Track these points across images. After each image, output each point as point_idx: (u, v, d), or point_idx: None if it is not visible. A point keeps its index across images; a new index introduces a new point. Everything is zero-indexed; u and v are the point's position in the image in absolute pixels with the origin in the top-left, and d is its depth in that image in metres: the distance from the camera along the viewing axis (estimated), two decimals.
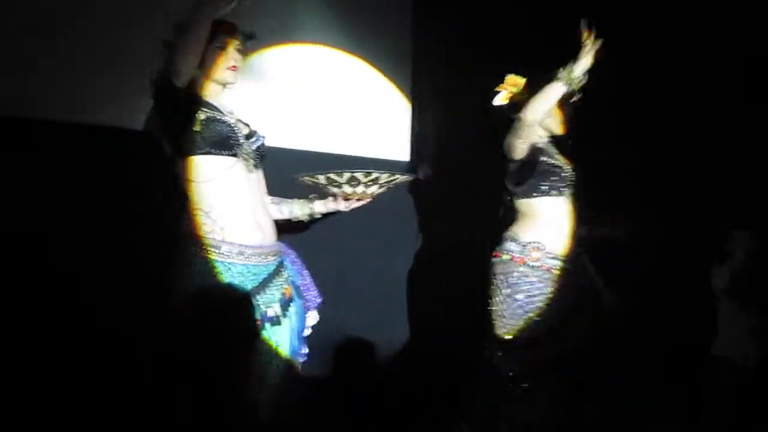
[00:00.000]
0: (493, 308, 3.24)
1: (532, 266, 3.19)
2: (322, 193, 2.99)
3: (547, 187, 3.27)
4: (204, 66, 2.72)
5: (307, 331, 2.94)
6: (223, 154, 2.68)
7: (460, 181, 4.55)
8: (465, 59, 4.61)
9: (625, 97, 4.20)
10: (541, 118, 3.15)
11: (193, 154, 2.66)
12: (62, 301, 3.09)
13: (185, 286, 2.62)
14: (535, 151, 3.28)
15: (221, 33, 2.73)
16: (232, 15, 2.65)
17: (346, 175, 2.80)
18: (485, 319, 3.28)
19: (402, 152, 4.69)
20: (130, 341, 3.00)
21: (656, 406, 4.02)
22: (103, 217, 3.17)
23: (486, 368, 3.27)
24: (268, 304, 2.70)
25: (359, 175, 2.81)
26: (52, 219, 3.10)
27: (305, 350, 2.91)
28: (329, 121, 4.28)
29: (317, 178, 2.81)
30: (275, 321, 2.71)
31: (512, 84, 3.37)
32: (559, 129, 3.37)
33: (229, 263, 2.64)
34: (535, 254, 3.19)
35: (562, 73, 3.01)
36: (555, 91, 3.03)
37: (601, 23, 3.00)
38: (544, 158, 3.28)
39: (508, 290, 3.19)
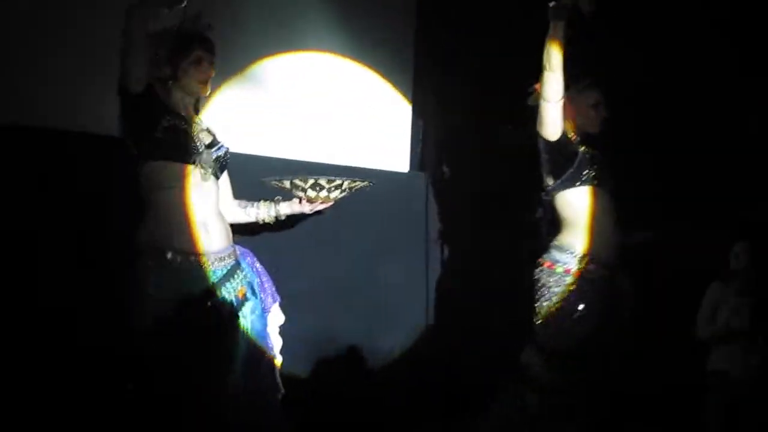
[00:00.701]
0: (540, 319, 3.19)
1: (588, 279, 3.14)
2: (288, 196, 3.19)
3: (588, 176, 3.20)
4: (177, 76, 2.84)
5: (275, 330, 3.06)
6: (180, 161, 2.77)
7: (471, 186, 4.59)
8: (469, 64, 4.63)
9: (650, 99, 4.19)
10: (557, 61, 3.05)
11: (153, 159, 2.75)
12: (24, 303, 3.08)
13: (141, 291, 2.70)
14: (571, 142, 3.25)
15: (196, 47, 2.85)
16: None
17: (310, 181, 3.07)
18: (523, 326, 3.27)
19: (402, 160, 4.70)
20: (86, 346, 3.03)
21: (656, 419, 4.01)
22: (68, 220, 3.17)
23: (519, 377, 3.24)
24: (220, 305, 2.79)
25: (322, 181, 3.08)
26: (14, 222, 3.08)
27: (273, 345, 3.01)
28: (329, 130, 4.29)
29: (283, 183, 3.09)
30: (229, 322, 2.80)
31: None
32: (592, 128, 3.33)
33: (178, 268, 2.72)
34: (591, 266, 3.14)
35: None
36: (552, 31, 3.01)
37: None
38: (584, 149, 3.25)
39: (561, 303, 3.13)
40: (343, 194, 3.19)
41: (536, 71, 3.31)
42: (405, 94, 4.65)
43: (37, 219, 3.11)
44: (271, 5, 4.10)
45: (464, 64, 4.66)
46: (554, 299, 3.16)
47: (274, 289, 3.07)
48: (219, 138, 3.01)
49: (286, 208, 3.22)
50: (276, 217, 3.22)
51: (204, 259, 2.78)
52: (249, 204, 3.19)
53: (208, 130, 2.98)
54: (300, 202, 3.18)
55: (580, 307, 3.11)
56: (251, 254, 3.07)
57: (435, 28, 4.68)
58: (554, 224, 3.32)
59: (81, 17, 3.34)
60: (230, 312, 2.81)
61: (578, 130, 3.33)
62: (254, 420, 2.83)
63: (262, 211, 3.20)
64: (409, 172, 4.69)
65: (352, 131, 4.39)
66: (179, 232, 2.75)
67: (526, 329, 3.27)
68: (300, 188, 3.10)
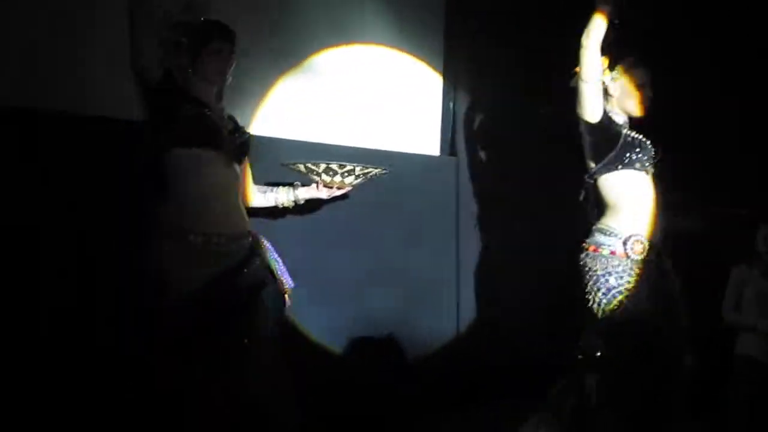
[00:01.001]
0: (594, 303, 3.11)
1: (636, 260, 3.08)
2: (306, 181, 3.26)
3: (630, 159, 3.14)
4: (196, 66, 2.86)
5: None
6: (205, 148, 2.80)
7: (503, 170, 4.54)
8: (502, 45, 4.58)
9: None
10: (595, 41, 3.01)
11: (177, 146, 2.77)
12: (50, 289, 3.08)
13: (163, 273, 2.72)
14: (614, 124, 3.18)
15: (216, 37, 2.87)
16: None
17: (322, 165, 3.16)
18: (578, 313, 3.19)
19: (433, 144, 4.64)
20: (113, 329, 3.03)
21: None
22: (90, 208, 3.15)
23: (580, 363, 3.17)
24: (241, 290, 2.82)
25: (334, 166, 3.17)
26: (36, 211, 3.06)
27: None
28: (361, 114, 4.25)
29: (297, 166, 3.18)
30: (246, 306, 2.83)
31: None
32: (637, 110, 3.24)
33: (202, 250, 2.76)
34: (638, 247, 3.08)
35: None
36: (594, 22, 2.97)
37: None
38: (627, 131, 3.18)
39: (612, 285, 3.07)
40: (358, 180, 3.26)
41: (574, 51, 3.25)
42: (437, 75, 4.61)
43: (60, 202, 3.10)
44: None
45: (497, 45, 4.60)
46: (602, 282, 3.10)
47: (288, 274, 3.05)
48: (240, 124, 3.07)
49: (304, 193, 3.28)
50: (294, 202, 3.28)
51: (225, 241, 2.82)
52: (268, 189, 3.25)
53: (230, 117, 3.03)
54: (317, 186, 3.25)
55: (630, 287, 3.06)
56: (266, 240, 3.06)
57: (466, 9, 4.61)
58: (598, 207, 3.25)
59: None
60: (251, 293, 2.85)
61: (623, 112, 3.25)
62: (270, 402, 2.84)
63: (281, 196, 3.26)
64: (440, 155, 4.64)
65: (383, 115, 4.33)
66: (203, 215, 2.79)
67: (574, 314, 3.21)
68: (314, 172, 3.19)
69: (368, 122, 4.26)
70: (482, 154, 4.64)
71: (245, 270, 2.85)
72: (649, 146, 3.22)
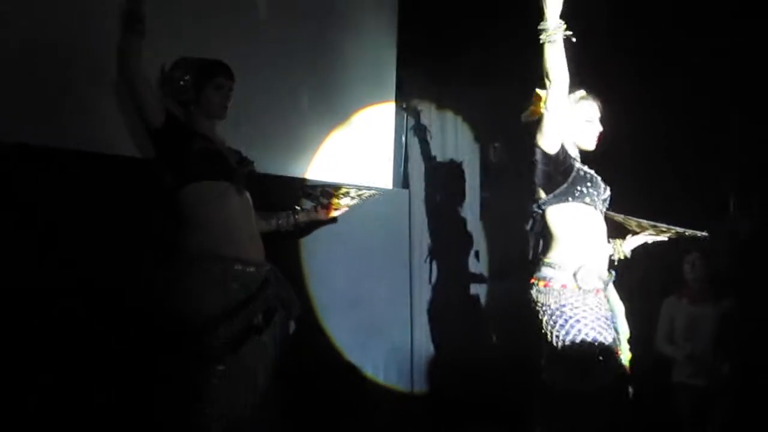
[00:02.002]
0: (553, 337, 3.10)
1: (587, 291, 3.09)
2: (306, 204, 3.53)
3: (582, 192, 3.16)
4: (200, 101, 3.03)
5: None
6: (217, 180, 2.96)
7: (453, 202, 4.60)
8: (454, 81, 4.65)
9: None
10: (558, 74, 3.00)
11: (191, 181, 2.93)
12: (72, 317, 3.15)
13: (188, 296, 2.87)
14: (568, 157, 3.19)
15: (218, 75, 3.04)
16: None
17: (319, 189, 3.47)
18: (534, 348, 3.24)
19: (386, 177, 4.69)
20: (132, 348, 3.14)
21: None
22: (112, 239, 3.26)
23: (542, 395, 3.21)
24: (255, 313, 2.94)
25: (330, 189, 3.44)
26: (59, 242, 3.17)
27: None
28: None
29: (306, 191, 3.52)
30: (259, 328, 2.94)
31: (537, 99, 3.22)
32: (585, 144, 3.29)
33: (224, 274, 2.89)
34: (588, 278, 3.10)
35: (541, 30, 2.95)
36: (547, 50, 2.97)
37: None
38: (579, 165, 3.21)
39: (565, 317, 3.07)
40: (353, 201, 3.54)
41: (523, 86, 3.33)
42: (389, 107, 4.67)
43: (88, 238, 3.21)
44: None
45: (450, 78, 4.68)
46: (556, 316, 3.11)
47: (297, 302, 3.20)
48: (244, 155, 3.21)
49: (304, 217, 3.48)
50: (295, 225, 3.46)
51: (244, 266, 2.95)
52: (270, 215, 3.37)
53: (233, 150, 3.17)
54: (316, 209, 3.48)
55: (586, 317, 3.07)
56: (274, 266, 3.17)
57: (419, 42, 4.69)
58: (545, 239, 3.28)
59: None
60: (267, 317, 2.99)
61: (575, 144, 3.29)
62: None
63: (283, 221, 3.41)
64: (393, 188, 4.68)
65: (336, 147, 4.35)
66: (224, 242, 2.93)
67: (529, 344, 3.26)
68: (314, 196, 3.47)
69: (321, 154, 4.28)
70: (434, 187, 4.70)
71: (263, 294, 2.97)
72: (601, 183, 3.24)
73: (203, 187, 2.94)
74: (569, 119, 3.21)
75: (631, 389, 3.21)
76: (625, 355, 3.18)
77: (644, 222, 3.43)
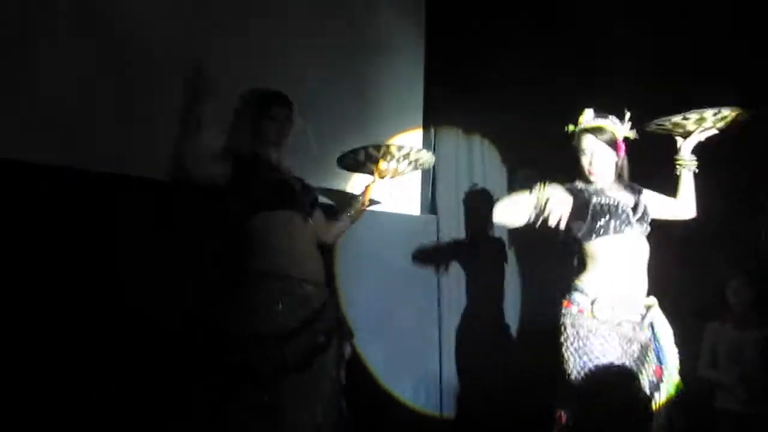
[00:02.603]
0: (562, 360, 3.14)
1: (602, 320, 3.10)
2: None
3: (602, 227, 3.16)
4: (260, 132, 3.17)
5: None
6: (282, 209, 3.10)
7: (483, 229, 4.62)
8: (482, 108, 4.69)
9: None
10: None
11: (258, 212, 3.07)
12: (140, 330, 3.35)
13: (253, 310, 3.00)
14: (584, 191, 3.22)
15: (273, 104, 3.18)
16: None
17: (383, 149, 3.39)
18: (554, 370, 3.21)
19: (414, 203, 4.74)
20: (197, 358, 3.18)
21: None
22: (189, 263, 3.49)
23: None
24: (320, 331, 3.05)
25: (393, 149, 3.40)
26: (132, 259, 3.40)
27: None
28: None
29: (358, 152, 3.41)
30: (324, 346, 3.05)
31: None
32: (586, 174, 3.29)
33: (291, 292, 3.02)
34: (605, 309, 3.10)
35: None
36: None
37: None
38: (596, 199, 3.20)
39: (578, 343, 3.10)
40: (410, 167, 3.52)
41: (552, 112, 3.37)
42: (417, 134, 4.72)
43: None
44: None
45: (478, 105, 4.71)
46: (571, 339, 3.13)
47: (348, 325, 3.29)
48: (307, 182, 3.31)
49: (365, 196, 3.47)
50: (362, 207, 3.47)
51: (306, 285, 3.08)
52: (339, 214, 3.47)
53: (296, 177, 3.27)
54: (374, 179, 3.46)
55: (588, 349, 3.08)
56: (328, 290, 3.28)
57: (446, 68, 4.74)
58: (578, 263, 3.28)
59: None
60: (327, 335, 3.08)
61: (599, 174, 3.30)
62: None
63: (352, 212, 3.46)
64: (420, 215, 4.72)
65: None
66: (287, 263, 3.06)
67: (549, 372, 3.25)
68: (373, 158, 3.41)
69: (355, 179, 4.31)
70: (463, 213, 4.74)
71: (322, 313, 3.08)
72: (621, 208, 3.21)
73: (268, 216, 3.08)
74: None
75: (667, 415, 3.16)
76: (671, 382, 3.14)
77: (686, 116, 3.31)
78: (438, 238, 4.65)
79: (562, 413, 3.17)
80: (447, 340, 4.55)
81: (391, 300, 4.29)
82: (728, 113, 3.28)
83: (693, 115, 3.29)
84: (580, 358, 3.10)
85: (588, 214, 3.18)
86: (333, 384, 3.07)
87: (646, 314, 3.17)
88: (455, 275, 4.63)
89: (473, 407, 4.47)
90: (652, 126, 3.41)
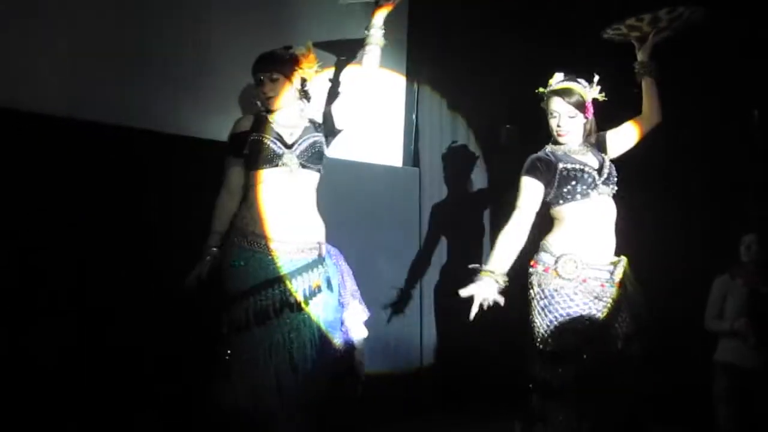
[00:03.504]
0: (531, 319, 3.19)
1: (567, 278, 3.14)
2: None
3: (569, 193, 3.20)
4: (259, 96, 3.27)
5: (357, 324, 3.24)
6: (267, 167, 3.14)
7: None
8: (465, 61, 4.68)
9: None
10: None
11: (249, 170, 3.18)
12: (128, 280, 3.37)
13: (226, 269, 3.09)
14: (552, 156, 3.24)
15: (256, 71, 3.24)
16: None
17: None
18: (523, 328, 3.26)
19: (396, 155, 4.75)
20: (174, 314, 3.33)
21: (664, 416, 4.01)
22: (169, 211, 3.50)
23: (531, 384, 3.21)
24: (291, 292, 3.07)
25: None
26: (133, 211, 3.43)
27: (350, 336, 3.20)
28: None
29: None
30: (296, 308, 3.07)
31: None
32: (555, 136, 3.31)
33: (258, 251, 3.08)
34: (569, 266, 3.14)
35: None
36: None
37: None
38: (562, 164, 3.22)
39: (544, 302, 3.15)
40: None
41: (535, 69, 3.37)
42: (400, 87, 4.71)
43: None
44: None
45: (460, 58, 4.71)
46: (538, 298, 3.18)
47: (355, 287, 3.29)
48: (308, 132, 3.28)
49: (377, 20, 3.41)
50: (381, 31, 3.41)
51: (281, 246, 3.10)
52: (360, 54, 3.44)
53: (296, 127, 3.27)
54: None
55: (555, 307, 3.12)
56: (339, 254, 3.30)
57: (430, 22, 4.71)
58: (548, 225, 3.31)
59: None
60: (296, 299, 3.07)
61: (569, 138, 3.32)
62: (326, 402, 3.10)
63: (371, 42, 3.39)
64: (402, 166, 4.74)
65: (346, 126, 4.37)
66: (261, 221, 3.10)
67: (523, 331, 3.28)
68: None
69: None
70: (445, 166, 4.75)
71: (306, 274, 3.10)
72: (587, 173, 3.22)
73: (251, 173, 3.16)
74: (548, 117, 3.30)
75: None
76: (639, 342, 3.17)
77: (639, 17, 3.36)
78: (420, 191, 4.68)
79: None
80: (427, 293, 4.61)
81: (371, 252, 4.31)
82: (682, 10, 3.32)
83: (647, 16, 3.34)
84: (546, 316, 3.14)
85: (555, 180, 3.21)
86: (311, 344, 3.07)
87: (614, 271, 3.20)
88: (436, 228, 4.65)
89: (452, 361, 4.55)
90: (609, 32, 3.47)
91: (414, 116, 4.76)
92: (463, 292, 3.11)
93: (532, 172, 3.22)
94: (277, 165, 3.15)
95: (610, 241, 3.25)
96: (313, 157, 3.22)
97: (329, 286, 3.17)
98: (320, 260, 3.17)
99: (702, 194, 4.53)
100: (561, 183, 3.20)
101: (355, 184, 4.22)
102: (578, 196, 3.21)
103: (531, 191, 3.21)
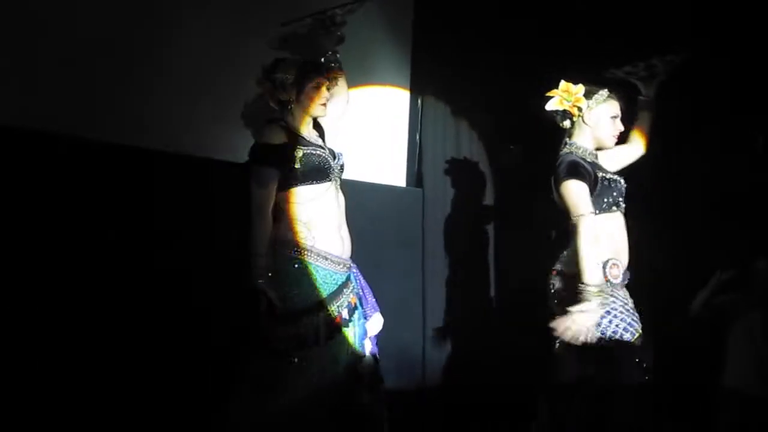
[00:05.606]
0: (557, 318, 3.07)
1: (614, 284, 3.11)
2: None
3: (608, 203, 3.18)
4: (300, 99, 3.14)
5: (372, 335, 3.28)
6: (321, 182, 3.10)
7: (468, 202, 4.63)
8: (470, 83, 4.69)
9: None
10: None
11: (296, 185, 3.07)
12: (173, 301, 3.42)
13: (282, 284, 3.04)
14: (587, 167, 3.19)
15: (315, 73, 3.15)
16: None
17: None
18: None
19: (400, 175, 4.74)
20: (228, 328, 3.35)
21: None
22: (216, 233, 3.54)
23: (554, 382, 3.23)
24: (341, 307, 3.09)
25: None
26: (170, 232, 3.47)
27: (372, 350, 3.26)
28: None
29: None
30: (345, 323, 3.10)
31: (565, 90, 3.25)
32: (608, 142, 3.31)
33: (316, 265, 3.06)
34: (614, 271, 3.12)
35: None
36: None
37: None
38: (601, 174, 3.20)
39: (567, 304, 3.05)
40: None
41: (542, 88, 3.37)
42: (403, 106, 4.72)
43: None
44: None
45: (464, 79, 4.71)
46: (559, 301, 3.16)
47: (374, 299, 3.32)
48: (335, 149, 3.29)
49: None
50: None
51: (337, 260, 3.12)
52: None
53: (325, 145, 3.26)
54: None
55: (584, 307, 3.02)
56: (355, 266, 3.31)
57: (434, 41, 4.71)
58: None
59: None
60: (347, 314, 3.12)
61: (595, 142, 3.30)
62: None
63: None
64: (406, 187, 4.72)
65: (350, 146, 4.36)
66: (324, 236, 3.09)
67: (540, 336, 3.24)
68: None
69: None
70: (448, 186, 4.74)
71: (348, 290, 3.14)
72: (621, 182, 3.26)
73: (308, 188, 3.08)
74: (590, 116, 3.27)
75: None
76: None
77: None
78: (423, 211, 4.65)
79: None
80: (431, 313, 4.58)
81: (374, 273, 4.27)
82: (672, 58, 3.42)
83: (641, 64, 3.44)
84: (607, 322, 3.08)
85: (596, 188, 3.17)
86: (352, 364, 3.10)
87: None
88: (440, 248, 4.64)
89: (456, 379, 4.51)
90: (612, 73, 3.54)
91: (417, 136, 4.75)
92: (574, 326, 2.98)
93: (578, 174, 3.14)
94: (330, 179, 3.13)
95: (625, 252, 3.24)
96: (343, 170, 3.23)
97: (360, 301, 3.22)
98: (350, 275, 3.19)
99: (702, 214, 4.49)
100: (601, 192, 3.16)
101: (358, 204, 4.20)
102: (614, 207, 3.20)
103: (583, 193, 3.12)
